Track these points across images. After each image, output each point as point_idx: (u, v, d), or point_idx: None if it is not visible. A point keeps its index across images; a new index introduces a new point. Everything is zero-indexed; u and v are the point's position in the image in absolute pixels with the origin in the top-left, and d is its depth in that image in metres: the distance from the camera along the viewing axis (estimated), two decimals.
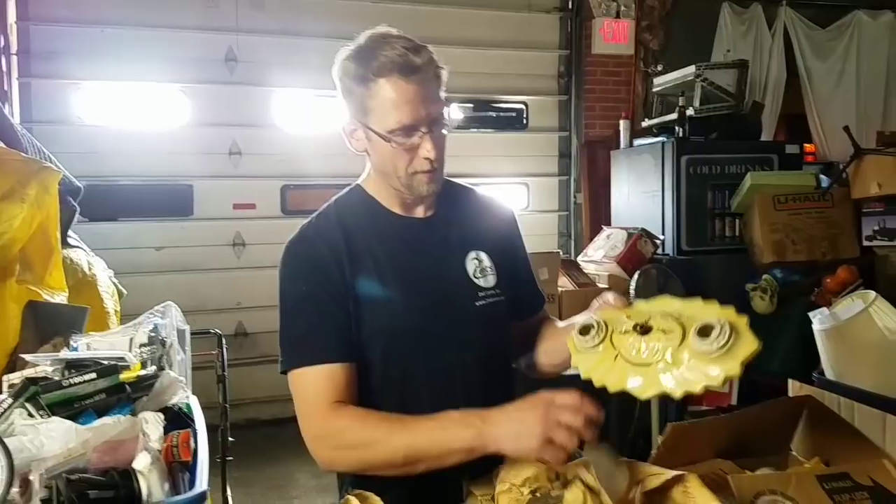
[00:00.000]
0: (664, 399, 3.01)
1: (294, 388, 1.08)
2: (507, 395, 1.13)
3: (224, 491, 2.58)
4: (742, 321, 0.88)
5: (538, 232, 4.62)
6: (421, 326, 1.10)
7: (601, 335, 0.96)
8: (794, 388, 1.15)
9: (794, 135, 4.98)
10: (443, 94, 1.12)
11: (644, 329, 0.92)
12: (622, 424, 3.35)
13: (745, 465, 1.01)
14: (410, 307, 1.10)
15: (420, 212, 1.18)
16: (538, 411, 0.92)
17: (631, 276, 3.12)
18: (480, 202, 1.27)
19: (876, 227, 2.97)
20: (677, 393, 0.86)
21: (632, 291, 3.01)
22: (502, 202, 1.30)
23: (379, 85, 1.05)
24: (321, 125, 4.11)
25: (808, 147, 4.93)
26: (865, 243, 3.03)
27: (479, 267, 1.17)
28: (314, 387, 1.05)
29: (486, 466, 1.01)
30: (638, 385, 0.90)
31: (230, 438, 2.54)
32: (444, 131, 1.11)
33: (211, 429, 2.63)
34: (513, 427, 0.93)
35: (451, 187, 1.23)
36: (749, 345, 0.85)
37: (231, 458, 2.59)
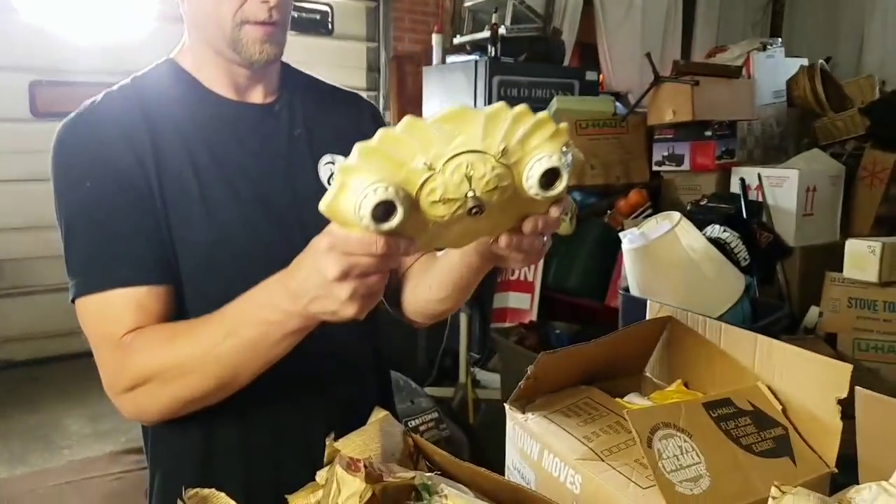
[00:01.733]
0: (471, 316, 3.01)
1: (83, 321, 0.79)
2: (372, 332, 0.94)
3: None
4: (562, 129, 0.68)
5: None
6: (256, 247, 0.85)
7: (406, 207, 0.62)
8: (653, 309, 1.10)
9: (584, 64, 5.20)
10: None
11: (479, 208, 0.64)
12: (430, 346, 3.37)
13: (611, 390, 0.96)
14: (242, 221, 0.84)
15: (257, 95, 0.91)
16: (319, 261, 0.65)
17: None
18: (335, 94, 1.02)
19: (665, 153, 3.17)
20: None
21: None
22: (361, 96, 1.06)
23: None
24: (85, 6, 3.39)
25: None
26: (655, 168, 3.23)
27: (333, 171, 0.93)
28: (108, 315, 0.77)
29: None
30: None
31: None
32: None
33: None
34: (305, 285, 0.67)
35: (294, 73, 0.97)
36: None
37: None
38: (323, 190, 0.90)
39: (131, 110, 0.83)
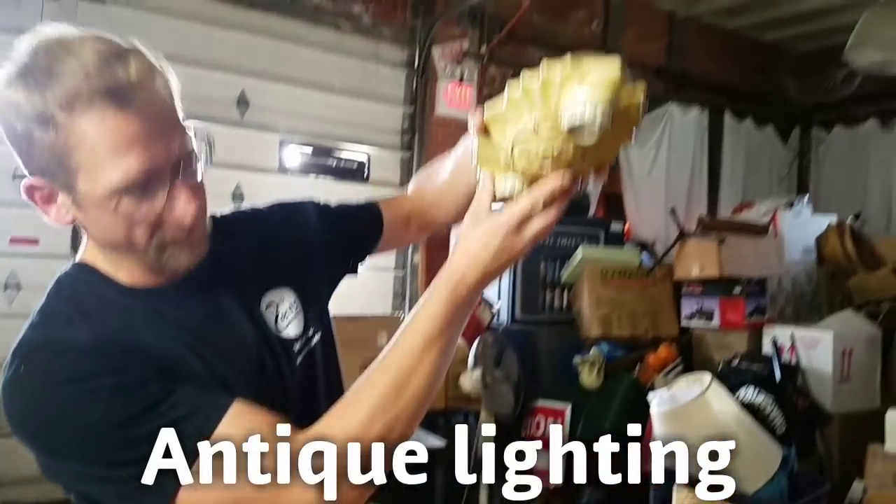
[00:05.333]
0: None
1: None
2: None
3: None
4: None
5: (372, 292, 4.41)
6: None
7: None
8: (681, 495, 1.02)
9: (611, 213, 5.28)
10: (180, 112, 0.75)
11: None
12: None
13: None
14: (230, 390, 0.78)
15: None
16: (512, 242, 0.72)
17: (471, 342, 3.01)
18: (253, 216, 0.96)
19: (695, 308, 3.13)
20: None
21: (471, 360, 2.89)
22: (288, 200, 1.02)
23: (76, 124, 0.67)
24: None
25: None
26: (684, 323, 3.17)
27: (279, 314, 0.87)
28: (246, 422, 0.70)
29: None
30: None
31: None
32: (198, 166, 0.76)
33: None
34: (492, 267, 0.73)
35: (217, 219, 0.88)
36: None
37: None
38: (275, 337, 0.84)
39: (77, 326, 0.74)
